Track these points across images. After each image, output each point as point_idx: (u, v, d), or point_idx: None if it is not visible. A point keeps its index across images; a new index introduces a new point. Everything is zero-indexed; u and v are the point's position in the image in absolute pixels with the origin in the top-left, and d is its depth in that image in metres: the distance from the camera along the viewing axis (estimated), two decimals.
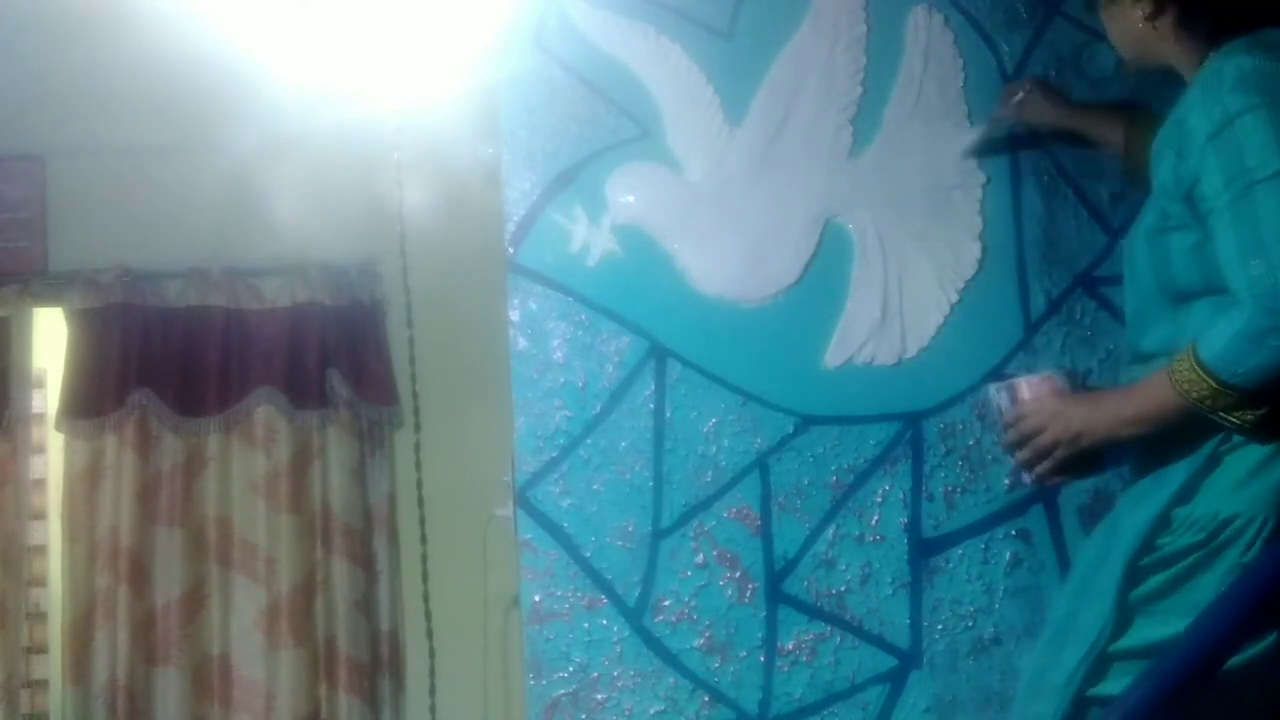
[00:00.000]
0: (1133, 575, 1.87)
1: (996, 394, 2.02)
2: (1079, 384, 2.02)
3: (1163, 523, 1.86)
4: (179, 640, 3.93)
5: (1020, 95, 2.49)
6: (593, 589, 2.51)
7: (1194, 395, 1.79)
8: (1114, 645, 1.88)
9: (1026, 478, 2.01)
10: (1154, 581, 1.87)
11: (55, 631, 4.23)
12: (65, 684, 3.90)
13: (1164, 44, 1.97)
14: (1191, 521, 1.85)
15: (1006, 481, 2.06)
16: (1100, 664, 1.88)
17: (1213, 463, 1.85)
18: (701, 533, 2.53)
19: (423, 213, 3.97)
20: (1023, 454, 1.97)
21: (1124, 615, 1.88)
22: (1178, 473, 1.87)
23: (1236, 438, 1.83)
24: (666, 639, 2.52)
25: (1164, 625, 1.85)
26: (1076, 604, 1.94)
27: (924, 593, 2.55)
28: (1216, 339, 1.78)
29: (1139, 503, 1.91)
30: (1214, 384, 1.77)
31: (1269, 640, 1.81)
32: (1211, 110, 1.81)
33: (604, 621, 2.51)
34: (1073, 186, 2.64)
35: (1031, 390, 1.97)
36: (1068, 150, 2.63)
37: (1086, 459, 1.95)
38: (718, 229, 2.58)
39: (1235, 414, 1.79)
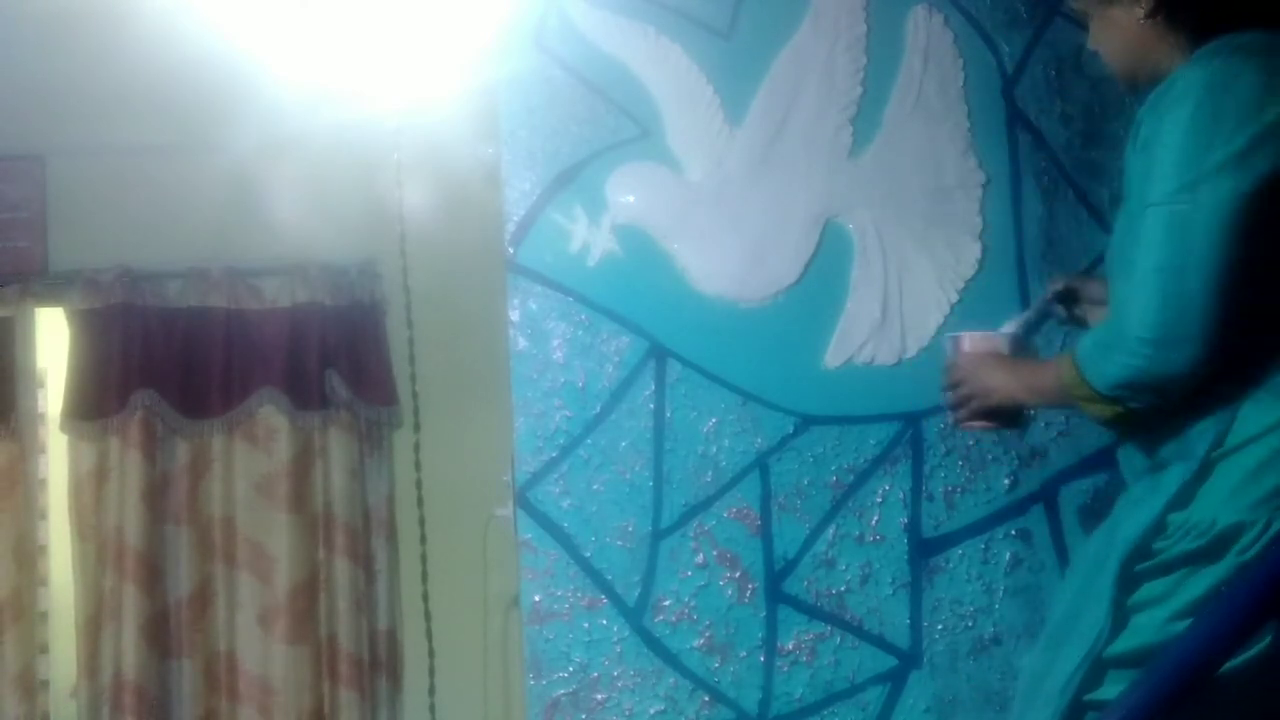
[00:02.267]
0: (1128, 581, 1.86)
1: (946, 343, 2.16)
2: (1021, 349, 2.11)
3: (1158, 528, 1.86)
4: (189, 637, 3.95)
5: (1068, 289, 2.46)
6: (593, 589, 2.51)
7: (1066, 380, 1.90)
8: (1110, 650, 1.87)
9: (951, 418, 2.15)
10: (1151, 587, 1.86)
11: (57, 631, 4.23)
12: (80, 679, 3.92)
13: (1160, 44, 1.96)
14: (1189, 528, 1.84)
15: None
16: (1097, 669, 1.88)
17: (1206, 469, 1.84)
18: (701, 533, 2.53)
19: (423, 213, 3.97)
20: (946, 398, 2.11)
21: (1120, 620, 1.87)
22: (1172, 479, 1.86)
23: (1227, 443, 1.83)
24: (666, 639, 2.52)
25: (1160, 631, 1.85)
26: (1073, 609, 1.93)
27: (924, 593, 2.55)
28: (1089, 339, 1.90)
29: (1134, 508, 1.91)
30: (1078, 377, 1.88)
31: (1265, 641, 1.81)
32: (1150, 119, 1.85)
33: (604, 621, 2.51)
34: (1073, 187, 2.64)
35: (971, 345, 2.10)
36: (1067, 151, 2.63)
37: (1008, 413, 2.07)
38: (718, 229, 2.58)
39: (1092, 407, 1.90)
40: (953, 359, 2.10)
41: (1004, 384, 2.04)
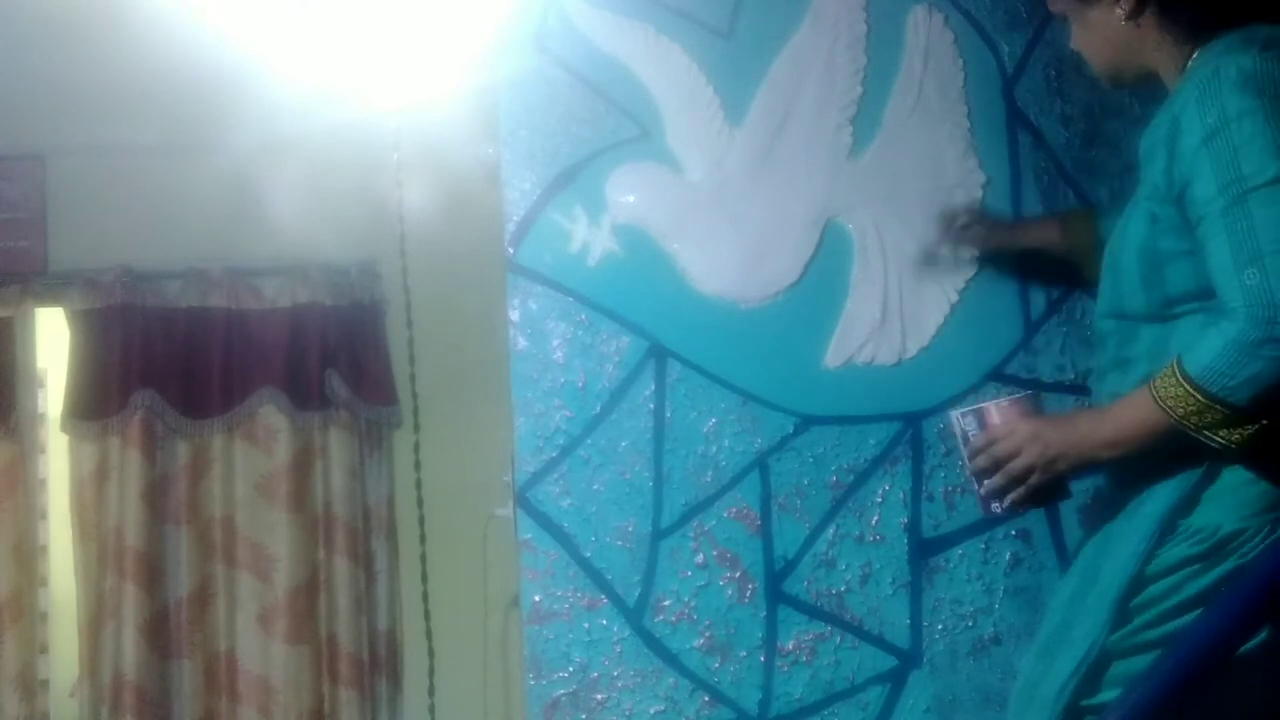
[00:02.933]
0: (1135, 586, 1.85)
1: (961, 420, 1.94)
2: (1043, 408, 1.95)
3: (1165, 532, 1.84)
4: (190, 636, 3.95)
5: (960, 225, 2.52)
6: (593, 589, 2.51)
7: (1179, 412, 1.73)
8: (1108, 650, 1.86)
9: (997, 507, 1.92)
10: (1152, 590, 1.85)
11: (56, 631, 4.24)
12: (80, 679, 3.92)
13: (1144, 45, 1.93)
14: (1192, 532, 1.83)
15: (983, 511, 2.02)
16: (1094, 673, 1.87)
17: (1211, 474, 1.82)
18: (701, 533, 2.53)
19: (423, 213, 3.97)
20: (994, 480, 1.89)
21: (1121, 624, 1.86)
22: (1176, 484, 1.83)
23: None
24: (666, 639, 2.52)
25: (1159, 631, 1.84)
26: (1069, 616, 1.91)
27: (924, 593, 2.55)
28: (1205, 351, 1.71)
29: (1133, 515, 1.88)
30: (1201, 399, 1.71)
31: (1261, 638, 1.80)
32: (1208, 111, 1.76)
33: (604, 621, 2.51)
34: (1073, 187, 2.64)
35: (1001, 414, 1.89)
36: (1067, 151, 2.63)
37: (1057, 485, 1.89)
38: (718, 229, 2.58)
39: (1221, 433, 1.72)
40: (981, 435, 1.90)
41: (1071, 444, 1.83)
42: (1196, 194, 1.77)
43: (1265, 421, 1.71)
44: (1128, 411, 1.80)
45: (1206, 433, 1.73)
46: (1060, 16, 2.07)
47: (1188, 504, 1.83)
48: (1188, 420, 1.73)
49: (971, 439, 1.92)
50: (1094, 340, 2.08)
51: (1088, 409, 2.00)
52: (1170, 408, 1.74)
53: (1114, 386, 1.95)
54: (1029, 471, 1.85)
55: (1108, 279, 1.98)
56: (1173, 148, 1.82)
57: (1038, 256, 2.51)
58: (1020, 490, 1.87)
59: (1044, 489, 1.87)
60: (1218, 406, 1.70)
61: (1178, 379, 1.73)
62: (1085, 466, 1.87)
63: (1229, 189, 1.73)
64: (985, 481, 1.91)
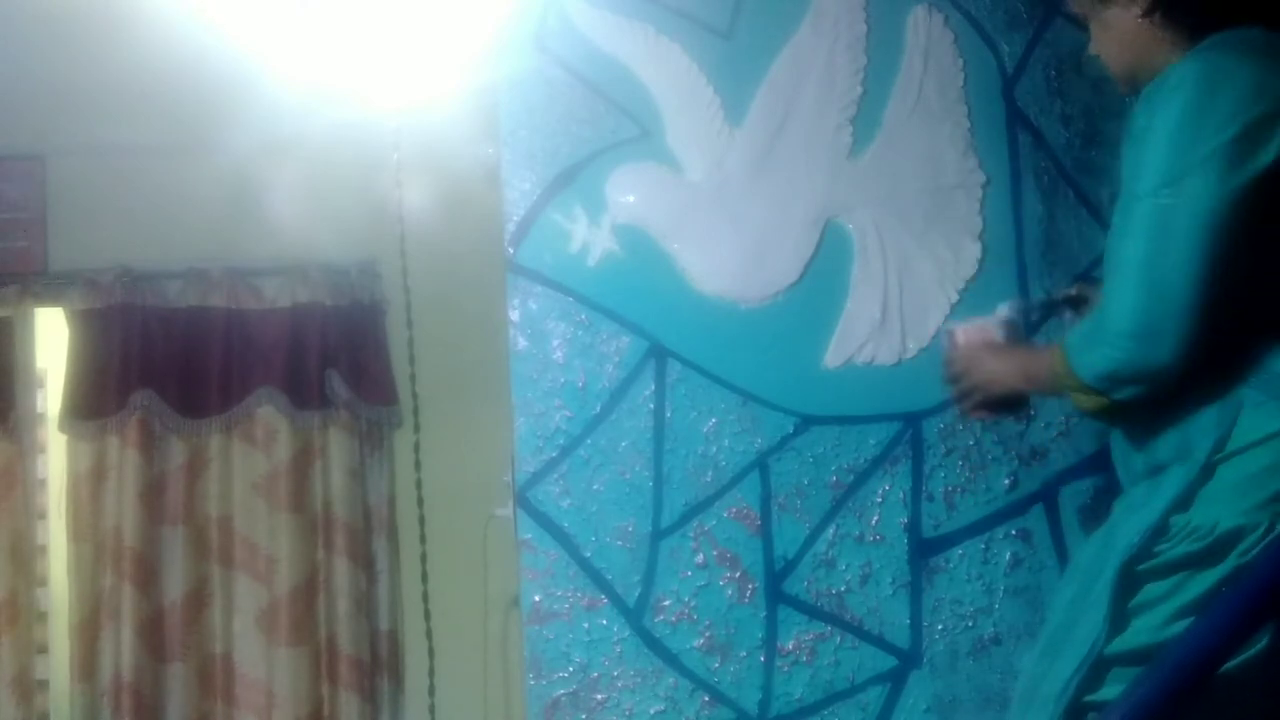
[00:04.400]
0: (1129, 582, 1.86)
1: (944, 337, 2.21)
2: (1016, 334, 2.13)
3: (1160, 531, 1.85)
4: (185, 638, 3.94)
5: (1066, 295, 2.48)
6: (593, 589, 2.51)
7: (1058, 369, 1.92)
8: (1110, 649, 1.87)
9: (957, 411, 2.22)
10: (1151, 589, 1.86)
11: (56, 631, 4.23)
12: (73, 681, 3.92)
13: (1158, 44, 1.95)
14: (1190, 530, 1.84)
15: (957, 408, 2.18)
16: (1096, 671, 1.87)
17: (1208, 472, 1.84)
18: (701, 533, 2.53)
19: (423, 213, 3.97)
20: (951, 392, 2.14)
21: (1119, 623, 1.86)
22: (1172, 481, 1.85)
23: (1229, 447, 1.82)
24: (666, 639, 2.52)
25: (1160, 632, 1.84)
26: (1071, 614, 1.92)
27: (924, 593, 2.55)
28: (1078, 331, 1.93)
29: (1133, 512, 1.90)
30: (1066, 367, 1.90)
31: (1262, 643, 1.80)
32: (1142, 110, 1.85)
33: (604, 621, 2.51)
34: (1073, 187, 2.64)
35: (965, 336, 2.13)
36: (1067, 151, 2.63)
37: (1010, 401, 2.12)
38: (718, 229, 2.58)
39: (1077, 397, 1.92)
40: (951, 352, 2.12)
41: (1001, 372, 2.06)
42: (1123, 188, 1.89)
43: (1111, 399, 1.87)
44: (1040, 359, 2.01)
45: (1069, 392, 1.93)
46: (1080, 17, 2.08)
47: (1184, 501, 1.84)
48: (1061, 379, 1.92)
49: (946, 355, 2.17)
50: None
51: (1027, 348, 2.14)
52: (1054, 365, 1.94)
53: None
54: (970, 390, 2.09)
55: (1106, 275, 2.01)
56: (1126, 144, 1.91)
57: None
58: (965, 403, 2.11)
59: (998, 401, 2.09)
60: (1074, 376, 1.89)
61: (1061, 344, 1.93)
62: (1012, 393, 2.10)
63: (1126, 190, 1.86)
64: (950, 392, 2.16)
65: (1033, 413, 2.28)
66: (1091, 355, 1.86)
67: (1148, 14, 1.94)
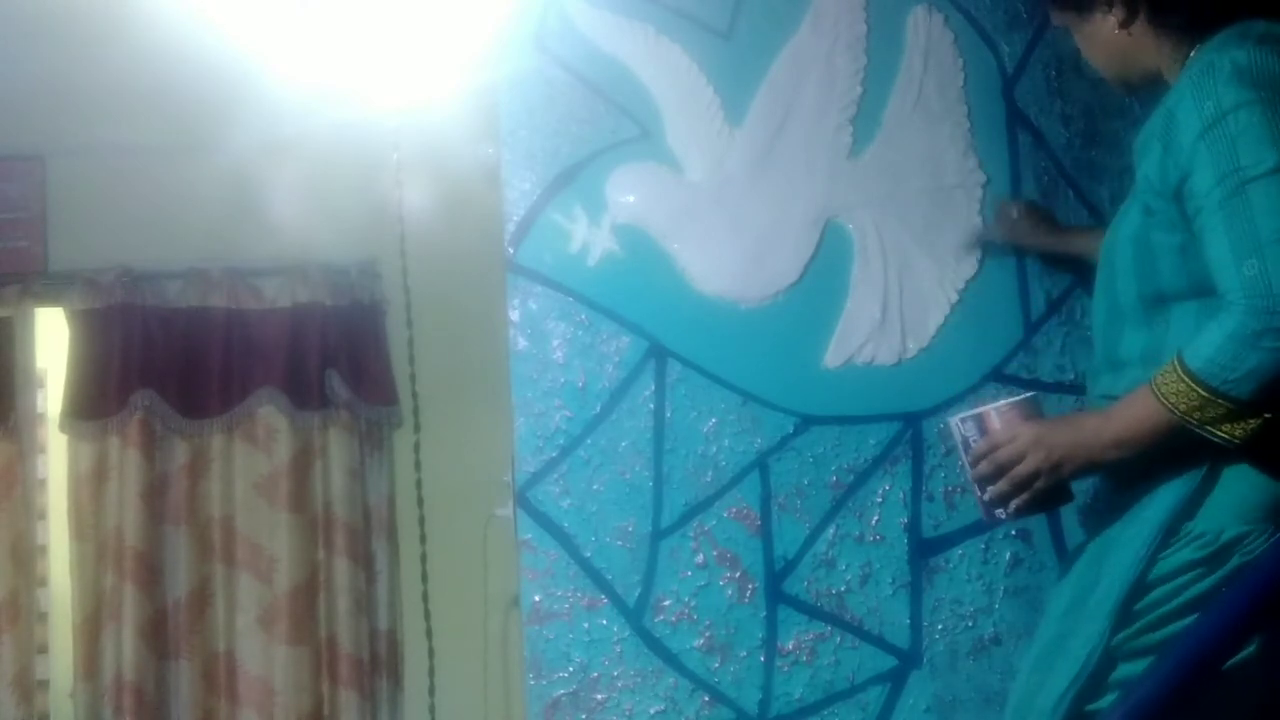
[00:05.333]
0: (1136, 591, 1.83)
1: (961, 425, 1.90)
2: (1043, 410, 1.92)
3: (1167, 537, 1.82)
4: (188, 637, 3.95)
5: (1014, 217, 2.50)
6: (593, 589, 2.51)
7: (1181, 408, 1.71)
8: (1110, 649, 1.85)
9: (1001, 514, 1.90)
10: (1154, 594, 1.84)
11: (56, 631, 4.24)
12: (77, 680, 3.92)
13: (1143, 50, 1.94)
14: (1195, 536, 1.82)
15: (985, 518, 1.95)
16: (1094, 682, 1.85)
17: (1213, 477, 1.81)
18: (701, 533, 2.53)
19: (423, 213, 3.97)
20: (998, 487, 1.87)
21: (1122, 629, 1.85)
22: (1177, 488, 1.82)
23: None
24: (666, 639, 2.52)
25: (1161, 635, 1.83)
26: (1065, 626, 1.89)
27: (924, 593, 2.55)
28: (1205, 345, 1.69)
29: (1134, 520, 1.86)
30: (1203, 394, 1.69)
31: (1251, 647, 1.79)
32: (1204, 104, 1.76)
33: (604, 621, 2.51)
34: (1073, 187, 2.64)
35: (1002, 418, 1.86)
36: (1067, 151, 2.63)
37: (1060, 489, 1.87)
38: (718, 229, 2.58)
39: (1224, 428, 1.70)
40: (982, 441, 1.88)
41: (1076, 447, 1.81)
42: (1195, 186, 1.76)
43: (1268, 415, 1.69)
44: (1130, 410, 1.78)
45: (1209, 428, 1.71)
46: (1064, 29, 2.08)
47: (1190, 508, 1.82)
48: (1190, 416, 1.71)
49: (973, 445, 1.89)
50: (1094, 339, 2.09)
51: (1089, 410, 1.97)
52: (1173, 404, 1.72)
53: (1106, 388, 1.95)
54: (1034, 477, 1.83)
55: (1103, 273, 1.99)
56: (1167, 141, 1.81)
57: (1074, 262, 2.50)
58: (1024, 496, 1.85)
59: (1048, 493, 1.85)
60: (1220, 401, 1.69)
61: (1179, 374, 1.71)
62: (1090, 469, 1.85)
63: (1227, 180, 1.72)
64: (988, 488, 1.88)
65: (1074, 499, 1.95)
66: (1246, 359, 1.64)
67: (1125, 25, 1.94)
